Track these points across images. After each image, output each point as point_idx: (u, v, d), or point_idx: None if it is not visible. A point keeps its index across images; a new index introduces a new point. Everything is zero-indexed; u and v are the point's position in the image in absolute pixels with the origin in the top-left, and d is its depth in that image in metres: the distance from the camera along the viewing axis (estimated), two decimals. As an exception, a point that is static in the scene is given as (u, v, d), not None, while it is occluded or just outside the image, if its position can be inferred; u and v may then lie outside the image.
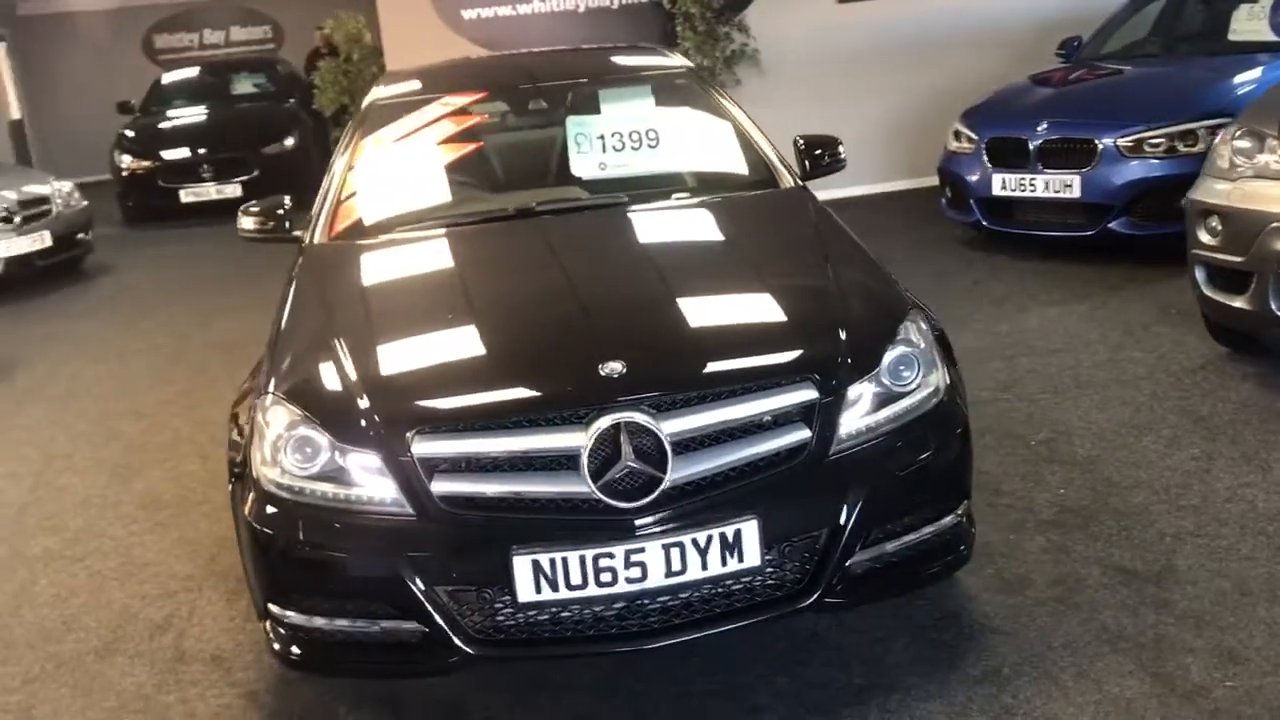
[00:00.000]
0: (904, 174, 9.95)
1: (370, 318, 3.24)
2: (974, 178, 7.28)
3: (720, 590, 2.73)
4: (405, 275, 3.63)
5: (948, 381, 3.04)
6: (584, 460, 2.63)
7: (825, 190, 4.02)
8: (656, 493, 2.65)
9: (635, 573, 2.64)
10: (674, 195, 4.01)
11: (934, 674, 2.99)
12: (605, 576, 2.64)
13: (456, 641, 2.69)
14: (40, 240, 9.35)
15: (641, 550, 2.64)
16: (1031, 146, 6.92)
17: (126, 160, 12.49)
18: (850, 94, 9.84)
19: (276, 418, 2.86)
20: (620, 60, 5.04)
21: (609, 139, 4.24)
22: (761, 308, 3.18)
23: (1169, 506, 3.75)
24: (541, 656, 2.85)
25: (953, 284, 6.76)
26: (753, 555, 2.69)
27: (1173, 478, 3.95)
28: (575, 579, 2.63)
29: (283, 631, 2.86)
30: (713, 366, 2.87)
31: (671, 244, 3.75)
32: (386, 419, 2.75)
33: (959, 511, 3.02)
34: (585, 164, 4.20)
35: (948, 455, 3.00)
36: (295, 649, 2.85)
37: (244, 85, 14.40)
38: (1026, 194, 6.99)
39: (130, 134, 12.86)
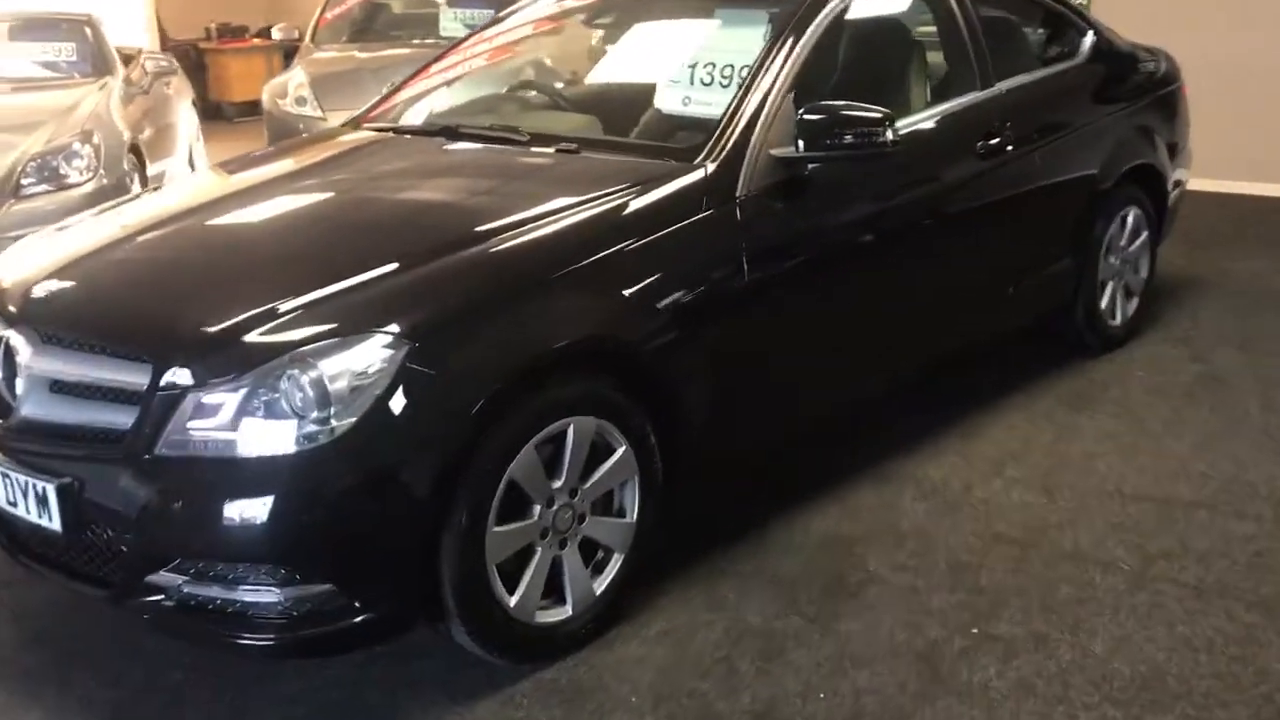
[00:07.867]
0: None
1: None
2: None
3: (60, 539, 2.52)
4: (270, 165, 3.73)
5: (334, 436, 2.31)
6: None
7: None
8: (10, 419, 2.58)
9: None
10: (586, 144, 3.37)
11: None
12: None
13: None
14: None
15: None
16: None
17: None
18: None
19: None
20: None
21: (699, 71, 3.65)
22: (220, 282, 2.73)
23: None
24: None
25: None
26: (55, 519, 2.48)
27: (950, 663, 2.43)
28: None
29: None
30: (76, 317, 2.65)
31: (423, 197, 3.33)
32: None
33: (289, 591, 2.35)
34: (669, 97, 3.67)
35: (286, 520, 2.32)
36: None
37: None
38: None
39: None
